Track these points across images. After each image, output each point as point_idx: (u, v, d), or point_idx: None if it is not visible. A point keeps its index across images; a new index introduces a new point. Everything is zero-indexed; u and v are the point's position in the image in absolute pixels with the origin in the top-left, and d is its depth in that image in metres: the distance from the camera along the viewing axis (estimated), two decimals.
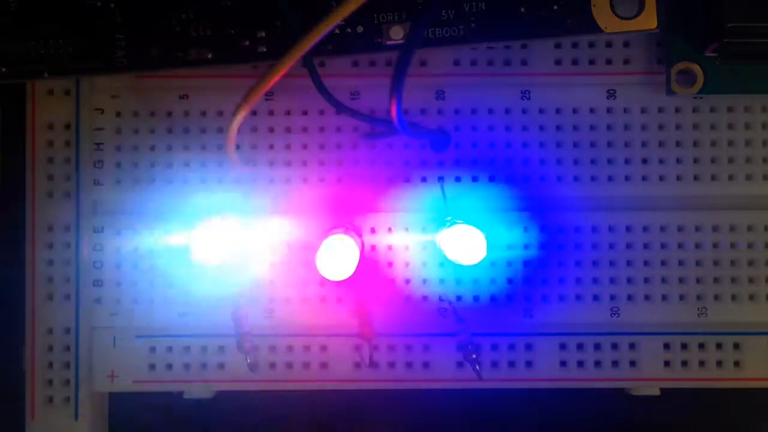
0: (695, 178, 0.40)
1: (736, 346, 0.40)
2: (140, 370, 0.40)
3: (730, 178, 0.40)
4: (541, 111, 0.40)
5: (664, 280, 0.40)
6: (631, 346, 0.40)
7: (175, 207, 0.40)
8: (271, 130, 0.40)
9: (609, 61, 0.40)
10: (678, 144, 0.40)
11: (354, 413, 0.44)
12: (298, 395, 0.42)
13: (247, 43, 0.37)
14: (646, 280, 0.39)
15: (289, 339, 0.40)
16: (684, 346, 0.40)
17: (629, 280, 0.39)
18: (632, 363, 0.40)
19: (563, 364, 0.40)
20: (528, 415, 0.43)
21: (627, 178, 0.40)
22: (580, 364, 0.40)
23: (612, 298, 0.39)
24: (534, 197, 0.40)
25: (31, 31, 0.36)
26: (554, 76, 0.40)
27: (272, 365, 0.40)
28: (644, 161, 0.40)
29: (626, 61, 0.40)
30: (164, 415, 0.43)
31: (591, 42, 0.40)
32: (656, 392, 0.40)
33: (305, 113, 0.40)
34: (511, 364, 0.40)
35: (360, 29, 0.36)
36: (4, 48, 0.36)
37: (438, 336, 0.39)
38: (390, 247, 0.40)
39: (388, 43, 0.36)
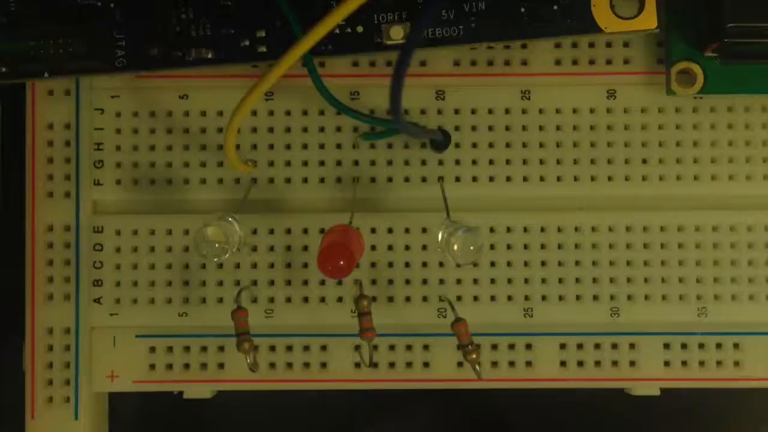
0: (695, 178, 0.40)
1: (736, 346, 0.40)
2: (140, 370, 0.40)
3: (730, 178, 0.40)
4: (541, 111, 0.40)
5: (664, 280, 0.40)
6: (631, 346, 0.40)
7: (175, 207, 0.40)
8: (271, 130, 0.40)
9: (609, 61, 0.40)
10: (678, 144, 0.40)
11: (354, 413, 0.44)
12: (298, 395, 0.42)
13: (247, 43, 0.37)
14: (646, 280, 0.39)
15: (289, 339, 0.40)
16: (684, 346, 0.40)
17: (629, 280, 0.39)
18: (632, 363, 0.40)
19: (563, 364, 0.40)
20: (528, 415, 0.43)
21: (627, 178, 0.40)
22: (580, 364, 0.40)
23: (612, 298, 0.39)
24: (534, 197, 0.40)
25: (31, 31, 0.36)
26: (554, 76, 0.40)
27: (272, 365, 0.40)
28: (644, 161, 0.40)
29: (626, 61, 0.40)
30: (164, 415, 0.43)
31: (591, 42, 0.40)
32: (656, 392, 0.40)
33: (305, 113, 0.40)
34: (511, 364, 0.40)
35: (360, 29, 0.36)
36: (4, 48, 0.36)
37: (438, 336, 0.39)
38: (390, 247, 0.40)
39: (388, 43, 0.36)
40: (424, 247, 0.39)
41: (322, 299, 0.40)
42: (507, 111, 0.40)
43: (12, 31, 0.36)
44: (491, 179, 0.40)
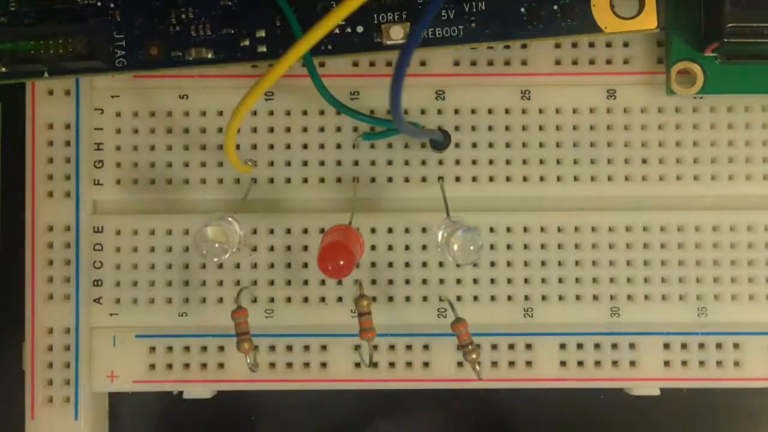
0: (695, 178, 0.40)
1: (736, 346, 0.40)
2: (140, 370, 0.40)
3: (730, 178, 0.40)
4: (541, 111, 0.40)
5: (664, 280, 0.40)
6: (631, 346, 0.40)
7: (175, 207, 0.40)
8: (271, 130, 0.40)
9: (609, 61, 0.40)
10: (678, 144, 0.40)
11: (354, 413, 0.44)
12: (298, 395, 0.42)
13: (247, 43, 0.37)
14: (645, 280, 0.39)
15: (289, 339, 0.40)
16: (684, 346, 0.40)
17: (629, 280, 0.39)
18: (632, 363, 0.40)
19: (563, 364, 0.40)
20: (528, 415, 0.43)
21: (627, 178, 0.40)
22: (580, 364, 0.40)
23: (612, 298, 0.39)
24: (534, 197, 0.40)
25: (31, 31, 0.36)
26: (554, 76, 0.40)
27: (272, 365, 0.40)
28: (644, 161, 0.40)
29: (626, 61, 0.40)
30: (164, 415, 0.43)
31: (591, 42, 0.40)
32: (656, 392, 0.40)
33: (305, 113, 0.40)
34: (511, 364, 0.40)
35: (360, 29, 0.37)
36: (4, 48, 0.36)
37: (438, 336, 0.39)
38: (390, 247, 0.40)
39: (388, 43, 0.36)
40: (424, 247, 0.39)
41: (322, 299, 0.40)
42: (507, 111, 0.40)
43: (12, 31, 0.36)
44: (491, 179, 0.40)
